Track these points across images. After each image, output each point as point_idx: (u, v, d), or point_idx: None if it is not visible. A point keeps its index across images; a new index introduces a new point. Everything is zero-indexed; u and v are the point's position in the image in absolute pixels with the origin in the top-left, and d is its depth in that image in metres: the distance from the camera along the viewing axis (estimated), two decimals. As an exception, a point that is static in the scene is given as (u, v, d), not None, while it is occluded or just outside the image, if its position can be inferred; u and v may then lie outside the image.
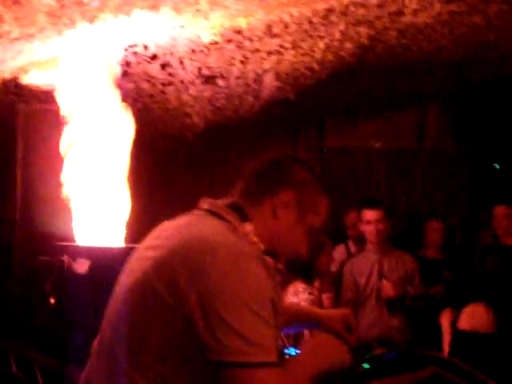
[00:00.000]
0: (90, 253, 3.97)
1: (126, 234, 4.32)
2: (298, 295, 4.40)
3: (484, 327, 4.00)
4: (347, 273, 5.22)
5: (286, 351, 2.90)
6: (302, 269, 4.50)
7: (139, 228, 4.66)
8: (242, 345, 1.69)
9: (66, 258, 3.90)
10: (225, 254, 1.76)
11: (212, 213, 1.94)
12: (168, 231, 1.95)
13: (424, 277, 5.24)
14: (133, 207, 4.34)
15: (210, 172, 8.05)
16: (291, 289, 4.47)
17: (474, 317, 4.07)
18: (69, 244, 4.14)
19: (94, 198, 4.25)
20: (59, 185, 4.25)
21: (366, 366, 2.87)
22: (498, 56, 6.50)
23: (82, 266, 3.88)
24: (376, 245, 5.09)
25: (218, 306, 1.70)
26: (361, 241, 5.98)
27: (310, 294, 4.42)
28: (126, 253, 4.09)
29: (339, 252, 6.51)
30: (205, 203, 2.01)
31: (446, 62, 6.29)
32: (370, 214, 5.05)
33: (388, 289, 4.96)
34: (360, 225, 5.23)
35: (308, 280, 4.58)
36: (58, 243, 4.13)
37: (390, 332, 4.79)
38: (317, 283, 4.76)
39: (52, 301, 3.90)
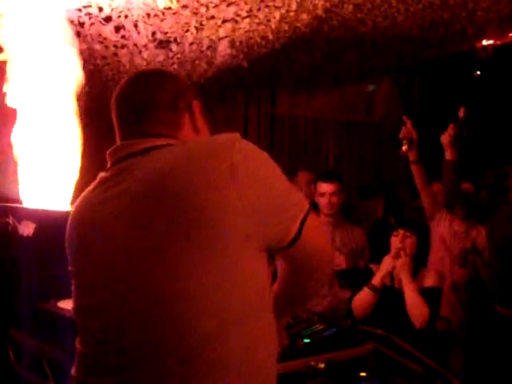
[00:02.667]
0: (35, 215, 3.92)
1: (73, 197, 4.28)
2: None
3: None
4: None
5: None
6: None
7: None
8: (294, 201, 1.83)
9: (10, 219, 3.86)
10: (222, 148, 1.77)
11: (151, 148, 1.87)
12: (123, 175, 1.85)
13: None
14: (81, 170, 4.30)
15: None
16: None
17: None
18: (14, 205, 4.09)
19: (41, 158, 4.19)
20: (5, 147, 4.18)
21: (307, 341, 2.92)
22: (452, 34, 6.56)
23: (27, 229, 3.84)
24: (329, 217, 5.13)
25: (261, 192, 1.75)
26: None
27: None
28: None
29: None
30: (123, 150, 1.92)
31: (400, 37, 6.33)
32: (324, 187, 5.09)
33: (340, 261, 5.01)
34: (315, 196, 5.27)
35: None
36: (3, 204, 4.08)
37: (340, 304, 4.85)
38: None
39: (-5, 263, 3.86)
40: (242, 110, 8.83)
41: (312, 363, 2.73)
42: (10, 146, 4.22)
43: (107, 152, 1.94)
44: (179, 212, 1.67)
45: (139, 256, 1.72)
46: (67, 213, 4.09)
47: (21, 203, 4.19)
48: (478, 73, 9.33)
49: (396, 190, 7.80)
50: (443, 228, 5.25)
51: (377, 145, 10.27)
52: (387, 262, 4.41)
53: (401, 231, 4.43)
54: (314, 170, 7.14)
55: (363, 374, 2.84)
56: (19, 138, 4.18)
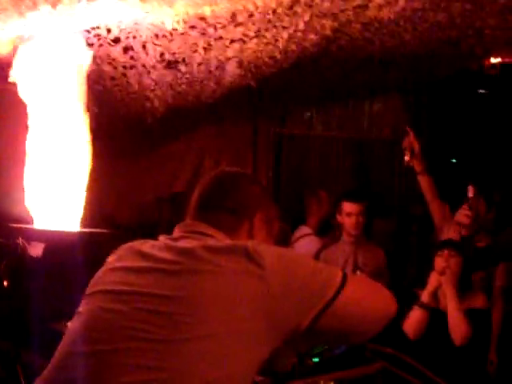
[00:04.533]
0: (44, 236, 3.95)
1: (82, 218, 4.30)
2: None
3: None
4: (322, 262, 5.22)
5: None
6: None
7: (96, 212, 4.68)
8: (321, 282, 1.84)
9: (20, 240, 3.88)
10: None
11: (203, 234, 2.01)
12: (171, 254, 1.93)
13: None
14: (90, 191, 4.32)
15: (172, 158, 8.05)
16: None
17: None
18: (24, 226, 4.11)
19: (50, 180, 4.22)
20: (15, 166, 4.21)
21: (316, 359, 2.91)
22: (460, 53, 6.57)
23: (36, 249, 3.86)
24: (353, 237, 5.12)
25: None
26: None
27: None
28: (81, 237, 4.12)
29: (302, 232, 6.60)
30: (189, 227, 2.06)
31: (408, 56, 6.35)
32: (351, 207, 5.07)
33: None
34: (339, 216, 5.25)
35: None
36: (13, 225, 4.10)
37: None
38: None
39: (5, 283, 3.88)
40: (251, 130, 8.84)
41: (321, 382, 2.73)
42: (20, 167, 4.25)
43: (178, 224, 2.09)
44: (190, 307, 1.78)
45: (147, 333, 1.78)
46: (76, 233, 4.14)
47: (31, 224, 4.21)
48: (483, 91, 9.34)
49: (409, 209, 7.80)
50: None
51: (388, 163, 10.25)
52: (434, 279, 4.39)
53: (445, 251, 4.42)
54: (325, 189, 7.16)
55: (373, 392, 2.84)
56: (29, 159, 4.21)
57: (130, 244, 2.05)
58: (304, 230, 6.74)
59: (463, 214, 5.14)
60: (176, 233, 2.05)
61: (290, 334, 1.84)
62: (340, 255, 5.22)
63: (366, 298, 1.94)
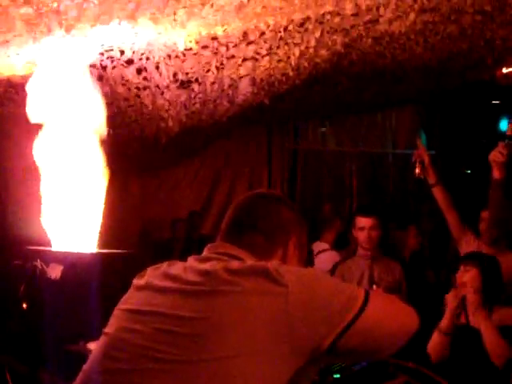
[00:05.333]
0: (62, 258, 3.96)
1: (99, 239, 4.32)
2: None
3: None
4: (338, 277, 5.22)
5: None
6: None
7: (112, 234, 4.70)
8: (343, 302, 1.81)
9: (38, 262, 3.90)
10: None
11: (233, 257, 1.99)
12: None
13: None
14: (106, 212, 4.34)
15: (187, 176, 8.10)
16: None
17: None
18: (42, 249, 4.13)
19: (67, 202, 4.24)
20: (33, 190, 4.24)
21: (337, 376, 2.90)
22: (471, 64, 6.58)
23: (54, 271, 3.87)
24: (368, 251, 5.11)
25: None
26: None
27: None
28: (99, 258, 4.14)
29: (319, 247, 6.62)
30: (218, 248, 2.04)
31: (420, 69, 6.36)
32: (364, 221, 5.06)
33: None
34: (353, 231, 5.25)
35: None
36: (31, 248, 4.13)
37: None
38: None
39: (24, 306, 3.90)
40: (265, 146, 8.88)
41: (343, 399, 2.72)
42: (37, 191, 4.28)
43: (207, 245, 2.06)
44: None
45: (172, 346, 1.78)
46: (94, 255, 4.16)
47: (48, 246, 4.23)
48: (496, 102, 9.32)
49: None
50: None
51: (402, 176, 10.26)
52: (450, 301, 4.30)
53: (461, 266, 4.34)
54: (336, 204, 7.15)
55: (395, 408, 2.82)
56: (46, 182, 4.24)
57: (157, 265, 2.03)
58: (321, 245, 6.74)
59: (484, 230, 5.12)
60: (205, 254, 2.03)
61: (311, 354, 1.81)
62: (355, 270, 5.21)
63: (388, 316, 1.93)
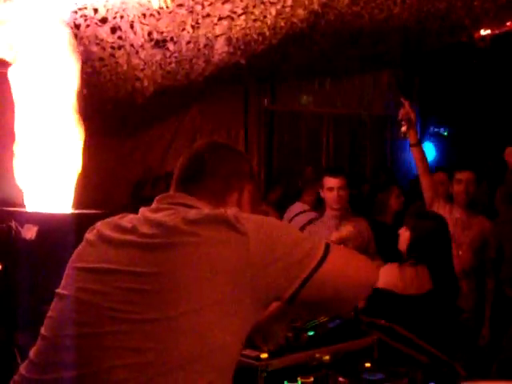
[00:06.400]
0: (37, 218, 3.94)
1: (74, 199, 4.30)
2: None
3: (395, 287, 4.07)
4: None
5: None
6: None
7: (87, 194, 4.67)
8: (304, 252, 1.81)
9: (13, 223, 3.87)
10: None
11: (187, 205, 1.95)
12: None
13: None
14: (80, 172, 4.31)
15: (163, 137, 8.05)
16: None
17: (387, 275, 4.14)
18: (16, 210, 4.10)
19: (42, 162, 4.21)
20: (5, 149, 4.20)
21: (311, 333, 2.93)
22: (449, 25, 6.56)
23: (29, 232, 3.85)
24: (336, 211, 5.13)
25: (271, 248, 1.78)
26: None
27: None
28: (74, 219, 4.12)
29: (298, 208, 6.63)
30: (170, 198, 2.01)
31: (397, 29, 6.33)
32: (332, 181, 5.08)
33: None
34: (321, 191, 5.26)
35: None
36: (6, 209, 4.10)
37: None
38: None
39: (0, 267, 3.88)
40: (242, 107, 8.83)
41: (317, 355, 2.73)
42: (10, 151, 4.24)
43: (157, 197, 2.02)
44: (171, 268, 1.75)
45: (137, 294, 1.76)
46: (69, 215, 4.13)
47: (23, 207, 4.21)
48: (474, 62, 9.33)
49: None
50: (443, 215, 5.23)
51: (379, 137, 10.29)
52: None
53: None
54: (315, 165, 7.16)
55: (368, 364, 2.85)
56: (20, 142, 4.20)
57: (108, 219, 1.99)
58: (300, 206, 6.76)
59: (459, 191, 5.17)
60: (156, 204, 1.98)
61: (271, 302, 1.85)
62: (323, 230, 5.22)
63: (348, 268, 1.92)
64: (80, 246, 1.98)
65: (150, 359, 1.68)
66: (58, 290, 1.92)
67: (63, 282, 1.94)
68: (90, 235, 1.97)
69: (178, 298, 1.71)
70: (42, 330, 1.89)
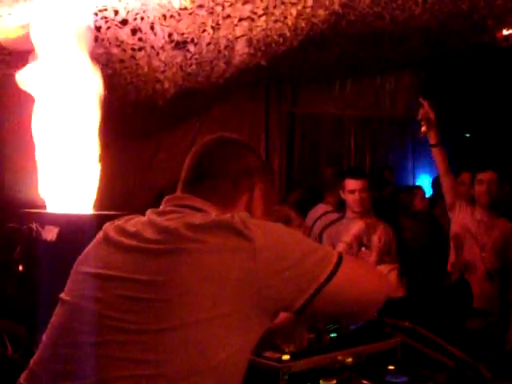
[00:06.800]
0: (58, 220, 3.93)
1: (95, 201, 4.30)
2: None
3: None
4: (326, 239, 5.22)
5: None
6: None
7: (108, 195, 4.67)
8: (315, 262, 1.72)
9: (34, 225, 3.87)
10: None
11: (193, 208, 1.85)
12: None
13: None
14: (102, 174, 4.31)
15: (184, 139, 8.04)
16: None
17: None
18: (37, 211, 4.10)
19: (63, 164, 4.21)
20: (28, 151, 4.20)
21: (333, 335, 2.89)
22: (471, 25, 6.51)
23: (50, 233, 3.85)
24: (358, 214, 5.10)
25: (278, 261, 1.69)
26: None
27: None
28: (95, 220, 4.11)
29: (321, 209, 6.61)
30: (176, 200, 1.91)
31: (419, 30, 6.29)
32: (353, 183, 5.04)
33: (368, 257, 4.97)
34: (342, 194, 5.22)
35: None
36: (27, 210, 4.10)
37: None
38: None
39: (20, 268, 3.88)
40: (263, 110, 8.81)
41: (339, 358, 2.70)
42: (32, 152, 4.24)
43: (165, 198, 1.94)
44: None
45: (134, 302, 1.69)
46: (90, 216, 4.13)
47: (44, 209, 4.21)
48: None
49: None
50: (465, 217, 5.17)
51: (400, 140, 10.23)
52: None
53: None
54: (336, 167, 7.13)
55: (391, 367, 2.80)
56: (39, 143, 4.20)
57: (115, 221, 1.90)
58: (323, 207, 6.72)
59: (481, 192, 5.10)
60: (163, 206, 1.89)
61: (279, 312, 1.77)
62: (344, 232, 5.19)
63: (361, 280, 1.84)
64: (87, 248, 1.92)
65: (151, 371, 1.61)
66: (61, 295, 1.86)
67: (67, 286, 1.88)
68: (98, 237, 1.90)
69: (181, 308, 1.63)
70: (43, 337, 1.83)
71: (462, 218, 5.17)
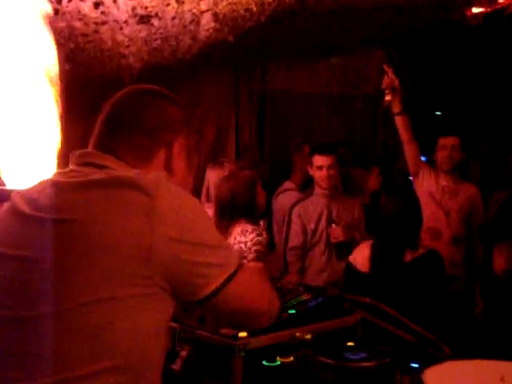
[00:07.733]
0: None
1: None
2: (246, 235, 4.20)
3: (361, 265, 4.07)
4: (295, 217, 5.22)
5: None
6: (242, 209, 4.34)
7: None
8: (219, 259, 1.63)
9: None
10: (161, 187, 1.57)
11: (97, 166, 1.69)
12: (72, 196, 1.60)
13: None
14: (62, 151, 4.23)
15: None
16: (238, 228, 4.28)
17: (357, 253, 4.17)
18: (-4, 187, 4.02)
19: (22, 140, 4.13)
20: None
21: (292, 311, 2.86)
22: (440, 2, 6.47)
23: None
24: (326, 190, 5.08)
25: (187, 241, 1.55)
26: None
27: (258, 235, 4.22)
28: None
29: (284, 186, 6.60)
30: (82, 157, 1.73)
31: (389, 6, 6.23)
32: (321, 160, 5.04)
33: (338, 233, 4.97)
34: (310, 170, 5.20)
35: (252, 220, 4.40)
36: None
37: (340, 277, 4.80)
38: (262, 224, 4.74)
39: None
40: (232, 87, 8.74)
41: (297, 334, 2.67)
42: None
43: (71, 154, 1.78)
44: (84, 238, 1.50)
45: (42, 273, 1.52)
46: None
47: (3, 185, 4.13)
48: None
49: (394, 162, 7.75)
50: (430, 184, 5.17)
51: (371, 118, 10.22)
52: None
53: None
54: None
55: (351, 343, 2.78)
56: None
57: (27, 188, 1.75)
58: (287, 184, 6.72)
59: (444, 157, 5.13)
60: (70, 166, 1.72)
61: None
62: (314, 209, 5.19)
63: (252, 293, 1.73)
64: None
65: (45, 364, 1.45)
66: None
67: None
68: (6, 205, 1.74)
69: (71, 289, 1.46)
70: None
71: (426, 185, 5.18)
